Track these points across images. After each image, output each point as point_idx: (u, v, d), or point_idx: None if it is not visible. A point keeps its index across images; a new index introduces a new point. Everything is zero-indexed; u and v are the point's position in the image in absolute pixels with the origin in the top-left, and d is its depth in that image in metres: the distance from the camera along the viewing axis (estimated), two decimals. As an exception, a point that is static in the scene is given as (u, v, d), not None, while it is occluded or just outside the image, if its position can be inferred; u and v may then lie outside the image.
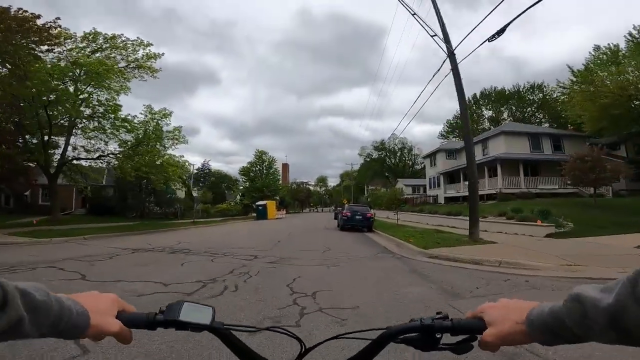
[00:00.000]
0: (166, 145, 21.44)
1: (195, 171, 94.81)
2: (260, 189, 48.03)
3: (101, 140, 20.82)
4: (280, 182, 55.53)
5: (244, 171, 51.34)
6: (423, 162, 79.11)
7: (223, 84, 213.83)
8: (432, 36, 13.19)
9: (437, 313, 0.65)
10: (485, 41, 11.19)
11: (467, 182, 32.86)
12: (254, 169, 51.60)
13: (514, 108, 59.39)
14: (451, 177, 38.38)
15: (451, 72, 12.93)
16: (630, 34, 26.63)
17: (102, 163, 22.65)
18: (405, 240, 12.04)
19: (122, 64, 23.06)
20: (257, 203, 40.51)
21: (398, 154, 75.24)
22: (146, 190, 27.12)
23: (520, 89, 58.37)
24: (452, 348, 0.63)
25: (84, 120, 20.51)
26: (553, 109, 50.95)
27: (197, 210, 37.84)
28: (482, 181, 31.11)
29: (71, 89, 20.24)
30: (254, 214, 39.90)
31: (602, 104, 23.69)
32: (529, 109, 57.02)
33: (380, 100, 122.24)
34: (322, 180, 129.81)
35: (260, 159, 52.08)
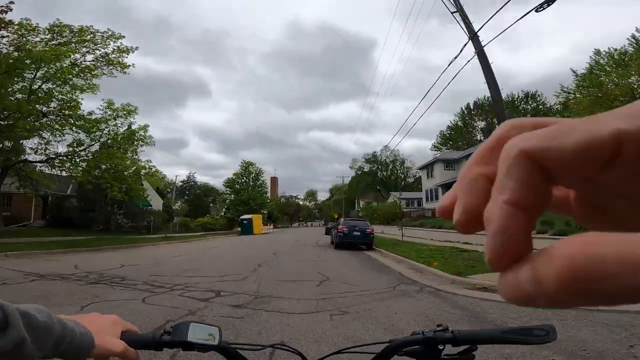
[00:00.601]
0: (128, 149, 18.24)
1: (180, 183, 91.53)
2: (246, 202, 44.75)
3: (54, 140, 17.58)
4: (269, 195, 52.41)
5: (229, 183, 48.06)
6: (416, 175, 77.58)
7: (213, 96, 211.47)
8: (453, 13, 10.84)
9: (438, 325, 0.66)
10: (531, 10, 8.77)
11: None
12: (240, 181, 48.42)
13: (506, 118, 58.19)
14: (450, 188, 36.00)
15: (477, 56, 10.46)
16: (633, 37, 25.47)
17: (56, 168, 19.31)
18: (425, 264, 9.22)
19: (90, 57, 20.23)
20: (242, 217, 37.22)
21: (390, 167, 73.23)
22: (112, 201, 23.68)
23: (515, 99, 57.48)
24: (455, 359, 0.63)
25: (33, 118, 17.30)
26: (550, 115, 49.80)
27: (175, 224, 34.38)
28: (486, 192, 28.73)
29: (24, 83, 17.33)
30: (239, 229, 36.57)
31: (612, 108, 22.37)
32: (527, 115, 55.75)
33: (370, 114, 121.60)
34: (311, 194, 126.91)
35: (247, 170, 49.00)
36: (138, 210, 26.34)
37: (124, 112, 18.16)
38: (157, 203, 40.85)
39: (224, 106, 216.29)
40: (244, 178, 48.60)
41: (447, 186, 35.68)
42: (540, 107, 54.72)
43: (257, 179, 49.23)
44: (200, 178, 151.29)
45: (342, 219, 18.59)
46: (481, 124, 61.75)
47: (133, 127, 18.68)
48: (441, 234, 20.39)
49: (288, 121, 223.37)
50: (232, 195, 46.57)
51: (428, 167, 39.56)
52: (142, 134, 18.79)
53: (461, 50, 10.99)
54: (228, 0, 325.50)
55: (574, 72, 28.52)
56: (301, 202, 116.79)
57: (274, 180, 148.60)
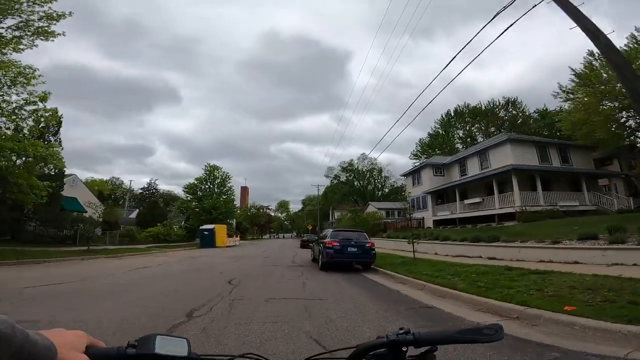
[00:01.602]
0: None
1: (140, 191, 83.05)
2: (208, 210, 38.94)
3: None
4: (237, 204, 46.68)
5: (190, 188, 42.04)
6: (394, 184, 74.84)
7: (183, 103, 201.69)
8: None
9: (400, 329, 0.69)
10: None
11: (465, 201, 27.06)
12: (203, 187, 42.55)
13: (483, 127, 56.73)
14: (440, 196, 32.65)
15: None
16: (632, 36, 23.71)
17: None
18: (521, 303, 4.80)
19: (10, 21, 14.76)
20: (202, 227, 31.57)
21: (367, 176, 69.80)
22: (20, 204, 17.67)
23: (495, 105, 56.19)
24: (418, 359, 0.68)
25: None
26: (527, 125, 48.78)
27: (114, 233, 28.21)
28: (487, 199, 25.53)
29: None
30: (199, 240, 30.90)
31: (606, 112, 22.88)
32: (505, 124, 54.06)
33: (343, 127, 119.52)
34: (283, 205, 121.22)
35: (212, 174, 43.27)
36: (56, 217, 20.32)
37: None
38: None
39: (194, 114, 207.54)
40: (208, 183, 42.79)
41: (437, 193, 32.20)
42: (520, 114, 53.72)
43: (223, 185, 43.56)
44: (166, 187, 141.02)
45: (329, 230, 13.94)
46: (459, 133, 60.09)
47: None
48: (448, 248, 16.35)
49: (260, 132, 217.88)
50: (194, 203, 40.61)
51: (414, 173, 36.03)
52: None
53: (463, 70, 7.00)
54: (203, 7, 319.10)
55: (572, 70, 26.33)
56: (272, 213, 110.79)
57: (244, 190, 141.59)
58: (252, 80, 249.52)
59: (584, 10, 6.60)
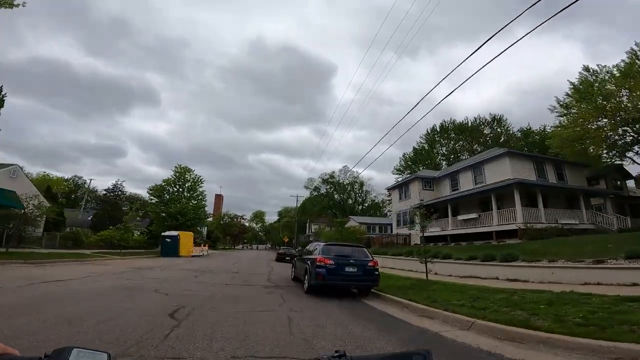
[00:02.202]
0: None
1: (104, 192, 76.76)
2: (174, 215, 35.03)
3: None
4: (208, 210, 42.80)
5: (156, 190, 37.96)
6: (375, 199, 73.10)
7: (160, 106, 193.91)
8: None
9: (336, 351, 0.70)
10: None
11: (458, 217, 25.05)
12: (171, 190, 38.61)
13: (467, 144, 56.28)
14: (429, 212, 30.59)
15: None
16: (632, 50, 23.23)
17: None
18: None
19: None
20: (164, 233, 27.78)
21: (348, 189, 67.67)
22: None
23: (480, 122, 55.96)
24: None
25: None
26: (510, 144, 48.61)
27: (54, 235, 24.07)
28: (484, 215, 23.63)
29: None
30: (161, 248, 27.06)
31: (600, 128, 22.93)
32: (488, 143, 53.57)
33: (323, 142, 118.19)
34: (258, 216, 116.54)
35: (182, 177, 39.45)
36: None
37: None
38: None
39: (171, 117, 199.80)
40: (177, 186, 38.89)
41: (424, 208, 30.15)
42: (504, 132, 53.70)
43: (193, 189, 39.76)
44: (135, 190, 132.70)
45: (319, 244, 10.97)
46: (443, 150, 59.38)
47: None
48: (455, 267, 13.98)
49: (238, 140, 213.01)
50: (160, 207, 36.53)
51: (402, 186, 33.97)
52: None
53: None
54: (193, 11, 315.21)
55: (571, 83, 25.53)
56: (247, 223, 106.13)
57: (218, 197, 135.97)
58: (234, 88, 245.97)
59: None
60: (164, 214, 35.19)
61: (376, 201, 69.61)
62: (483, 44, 8.19)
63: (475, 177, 26.69)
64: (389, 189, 38.09)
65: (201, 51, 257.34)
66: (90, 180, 54.11)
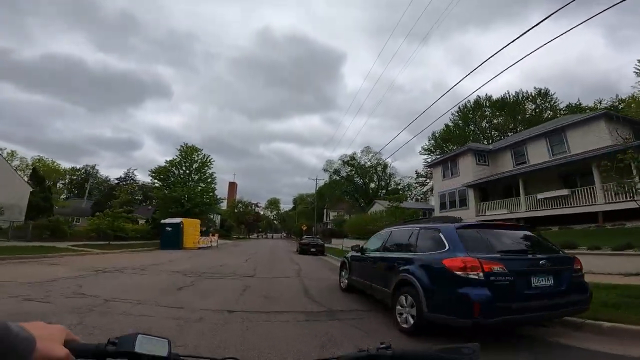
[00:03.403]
0: None
1: (116, 181, 73.66)
2: (178, 200, 30.35)
3: None
4: (217, 194, 37.79)
5: (158, 173, 33.33)
6: (400, 181, 67.13)
7: (173, 98, 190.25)
8: None
9: (381, 343, 0.70)
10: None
11: (538, 196, 17.80)
12: (176, 172, 33.94)
13: (502, 121, 49.81)
14: (484, 191, 24.94)
15: None
16: None
17: None
18: None
19: None
20: (164, 221, 23.09)
21: (370, 172, 61.85)
22: None
23: (522, 97, 49.14)
24: None
25: None
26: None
27: (27, 224, 19.67)
28: (578, 192, 17.87)
29: None
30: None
31: None
32: (526, 121, 46.88)
33: (335, 129, 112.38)
34: (273, 203, 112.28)
35: (188, 157, 34.67)
36: None
37: None
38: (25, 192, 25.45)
39: (184, 109, 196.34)
40: (183, 167, 34.16)
41: (479, 187, 24.49)
42: (549, 108, 46.71)
43: (202, 170, 34.99)
44: (149, 179, 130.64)
45: (447, 227, 5.35)
46: (475, 128, 52.83)
47: None
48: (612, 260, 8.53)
49: (250, 130, 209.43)
50: (163, 191, 31.96)
51: (447, 162, 28.19)
52: None
53: None
54: (200, 4, 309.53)
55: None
56: (262, 212, 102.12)
57: (232, 185, 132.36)
58: (244, 79, 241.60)
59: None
60: (164, 199, 30.51)
61: (400, 185, 63.67)
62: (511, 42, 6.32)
63: (552, 147, 20.80)
64: (429, 166, 32.44)
65: (210, 44, 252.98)
66: (94, 165, 50.14)
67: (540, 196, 18.84)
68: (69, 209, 43.08)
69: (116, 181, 72.76)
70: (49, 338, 0.58)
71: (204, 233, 27.32)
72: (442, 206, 27.91)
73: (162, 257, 15.19)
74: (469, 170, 25.11)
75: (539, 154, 21.40)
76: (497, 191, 23.94)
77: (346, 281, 7.50)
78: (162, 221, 22.73)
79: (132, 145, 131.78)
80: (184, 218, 23.91)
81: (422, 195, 60.19)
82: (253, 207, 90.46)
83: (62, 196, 69.46)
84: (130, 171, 76.63)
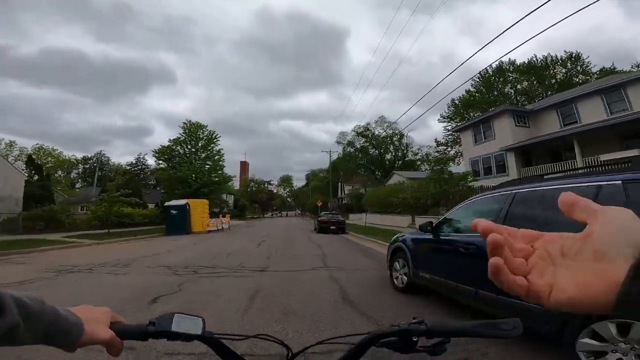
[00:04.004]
0: None
1: (127, 166, 72.66)
2: (185, 180, 28.30)
3: None
4: (226, 172, 35.36)
5: (164, 152, 31.21)
6: (419, 151, 63.74)
7: (178, 83, 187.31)
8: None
9: (414, 318, 0.67)
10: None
11: (600, 157, 14.29)
12: (180, 150, 31.77)
13: (527, 87, 45.72)
14: (526, 155, 21.91)
15: None
16: None
17: None
18: None
19: None
20: (168, 203, 21.09)
21: (387, 142, 58.44)
22: None
23: (550, 60, 44.55)
24: (428, 350, 0.65)
25: None
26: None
27: (18, 215, 17.95)
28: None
29: None
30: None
31: None
32: (555, 86, 42.75)
33: (343, 104, 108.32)
34: (286, 180, 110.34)
35: (193, 134, 32.34)
36: None
37: None
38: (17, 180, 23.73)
39: (190, 93, 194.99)
40: (188, 146, 31.92)
41: (521, 150, 21.44)
42: (580, 72, 42.07)
43: (208, 148, 32.70)
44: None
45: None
46: (507, 89, 48.50)
47: None
48: None
49: (258, 110, 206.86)
50: (168, 172, 29.94)
51: (478, 125, 24.99)
52: None
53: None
54: None
55: None
56: (275, 189, 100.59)
57: (243, 164, 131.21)
58: (248, 59, 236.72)
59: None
60: (172, 180, 28.49)
61: (419, 155, 60.35)
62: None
63: (610, 105, 17.67)
64: (456, 131, 29.27)
65: (209, 27, 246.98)
66: (101, 151, 48.55)
67: (604, 157, 15.82)
68: (79, 197, 41.92)
69: (128, 167, 71.89)
70: (95, 320, 0.59)
71: (215, 215, 25.36)
72: (475, 174, 25.03)
73: (163, 246, 13.12)
74: (506, 133, 22.03)
75: (593, 113, 18.35)
76: (543, 155, 20.92)
77: (405, 277, 5.06)
78: (167, 204, 20.71)
79: (143, 132, 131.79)
80: (190, 200, 21.83)
81: (442, 165, 56.90)
82: (266, 185, 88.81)
83: (77, 185, 69.01)
84: (141, 156, 75.36)
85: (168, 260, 8.86)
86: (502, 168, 22.24)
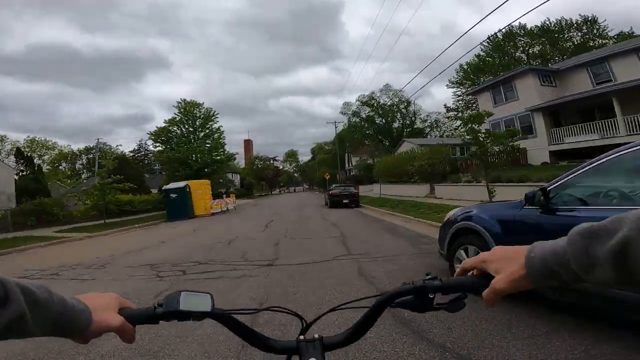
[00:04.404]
0: None
1: (130, 153, 71.30)
2: (184, 161, 26.74)
3: None
4: (228, 150, 33.43)
5: (158, 135, 29.48)
6: (427, 118, 60.89)
7: (174, 68, 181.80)
8: None
9: (427, 274, 0.64)
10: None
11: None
12: (178, 131, 29.98)
13: (549, 49, 42.41)
14: (554, 116, 19.76)
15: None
16: None
17: None
18: None
19: None
20: (167, 186, 19.64)
21: (394, 110, 55.58)
22: None
23: (565, 25, 40.81)
24: (446, 307, 0.62)
25: None
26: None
27: (6, 211, 16.67)
28: None
29: None
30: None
31: None
32: (568, 51, 39.43)
33: (343, 78, 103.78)
34: (291, 155, 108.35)
35: (189, 114, 30.40)
36: None
37: None
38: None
39: (187, 77, 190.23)
40: (185, 125, 30.08)
41: (549, 110, 19.30)
42: (597, 37, 38.31)
43: (206, 126, 30.83)
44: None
45: None
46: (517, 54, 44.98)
47: None
48: None
49: (258, 89, 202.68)
50: (166, 154, 28.35)
51: (498, 85, 22.61)
52: None
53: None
54: None
55: None
56: (280, 166, 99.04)
57: (247, 142, 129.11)
58: (243, 39, 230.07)
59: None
60: (171, 162, 26.94)
61: (427, 122, 57.66)
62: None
63: None
64: (472, 93, 26.82)
65: (198, 10, 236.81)
66: (98, 139, 47.07)
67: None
68: (81, 186, 40.94)
69: (131, 154, 70.59)
70: (103, 307, 0.58)
71: (218, 195, 23.93)
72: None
73: (159, 235, 11.72)
74: (532, 93, 19.88)
75: (628, 72, 16.16)
76: (571, 114, 18.80)
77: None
78: (165, 187, 19.27)
79: (144, 119, 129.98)
80: (191, 181, 20.32)
81: (452, 131, 54.03)
82: (271, 162, 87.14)
83: (83, 176, 68.12)
84: (143, 142, 73.73)
85: (156, 256, 7.36)
86: (528, 129, 20.16)
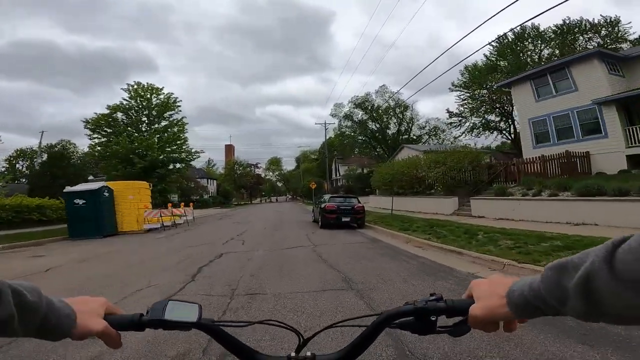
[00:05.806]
0: None
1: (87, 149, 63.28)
2: (126, 158, 20.11)
3: None
4: (190, 145, 26.61)
5: (102, 121, 22.76)
6: (426, 124, 55.51)
7: (160, 72, 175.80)
8: None
9: (431, 294, 0.60)
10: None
11: None
12: (125, 120, 23.34)
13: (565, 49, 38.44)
14: (627, 111, 14.67)
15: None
16: None
17: None
18: None
19: None
20: (69, 189, 12.97)
21: (390, 114, 50.29)
22: None
23: (583, 26, 36.91)
24: (449, 331, 0.59)
25: None
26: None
27: None
28: None
29: None
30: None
31: None
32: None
33: (329, 88, 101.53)
34: (274, 163, 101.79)
35: (141, 97, 23.91)
36: None
37: None
38: None
39: (172, 82, 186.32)
40: (133, 112, 23.51)
41: (622, 103, 14.14)
42: (614, 39, 34.63)
43: (163, 115, 24.33)
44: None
45: None
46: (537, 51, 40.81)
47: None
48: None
49: (244, 96, 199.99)
50: (103, 148, 21.59)
51: (544, 74, 17.39)
52: None
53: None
54: None
55: None
56: (263, 174, 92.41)
57: (229, 148, 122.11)
58: (232, 47, 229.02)
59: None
60: (107, 158, 20.29)
61: (426, 129, 52.57)
62: None
63: None
64: (503, 85, 21.54)
65: (188, 14, 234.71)
66: (42, 133, 39.60)
67: None
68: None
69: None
70: (88, 312, 0.57)
71: (164, 204, 17.39)
72: (540, 138, 17.62)
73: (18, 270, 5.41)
74: (599, 82, 14.79)
75: None
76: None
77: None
78: (67, 189, 12.65)
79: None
80: (116, 182, 13.85)
81: (454, 140, 49.02)
82: (252, 168, 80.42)
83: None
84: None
85: None
86: (593, 128, 14.93)
